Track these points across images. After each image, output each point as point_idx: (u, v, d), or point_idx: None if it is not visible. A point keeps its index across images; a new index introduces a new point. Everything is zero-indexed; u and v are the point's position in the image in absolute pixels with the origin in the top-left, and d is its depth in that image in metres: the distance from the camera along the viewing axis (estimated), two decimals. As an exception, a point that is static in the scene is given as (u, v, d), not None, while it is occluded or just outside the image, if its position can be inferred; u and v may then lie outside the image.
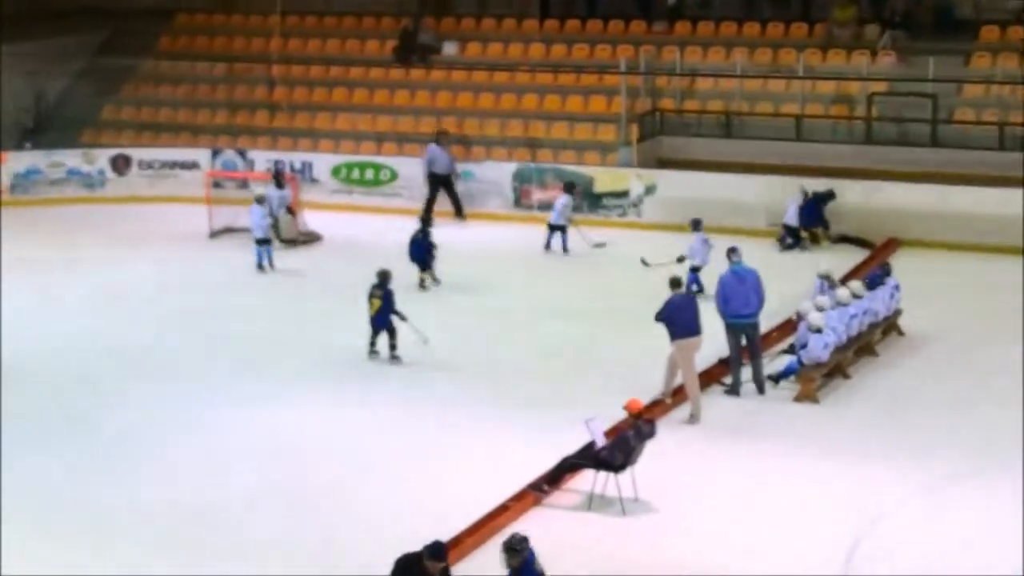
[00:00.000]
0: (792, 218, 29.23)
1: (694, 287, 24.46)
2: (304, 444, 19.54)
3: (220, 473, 18.64)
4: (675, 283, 20.60)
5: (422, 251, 26.65)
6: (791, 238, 29.06)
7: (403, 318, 22.44)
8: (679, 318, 20.20)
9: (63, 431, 20.10)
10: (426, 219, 27.35)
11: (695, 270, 25.00)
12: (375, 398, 21.20)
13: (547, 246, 28.95)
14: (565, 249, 28.59)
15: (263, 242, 28.01)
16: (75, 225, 32.36)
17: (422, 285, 26.45)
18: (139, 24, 38.81)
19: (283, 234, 29.82)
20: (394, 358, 22.43)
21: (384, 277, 22.55)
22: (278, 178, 30.44)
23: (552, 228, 29.04)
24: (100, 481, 18.46)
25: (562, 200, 29.24)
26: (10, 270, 27.61)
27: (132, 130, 36.63)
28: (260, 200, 28.38)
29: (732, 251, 21.46)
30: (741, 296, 20.81)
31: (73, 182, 34.80)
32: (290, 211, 30.17)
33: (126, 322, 24.01)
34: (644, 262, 24.38)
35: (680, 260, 24.96)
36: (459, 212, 32.03)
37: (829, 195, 29.38)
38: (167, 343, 23.90)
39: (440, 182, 31.96)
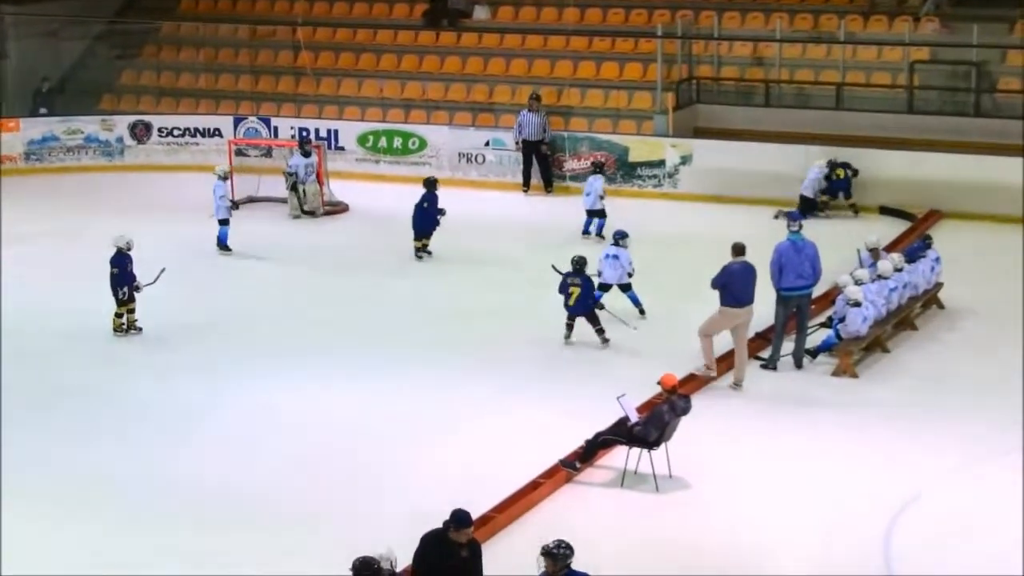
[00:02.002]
0: (807, 188, 28.50)
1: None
2: (328, 420, 19.08)
3: (245, 449, 18.22)
4: (737, 249, 19.99)
5: (428, 218, 25.93)
6: (804, 208, 27.98)
7: (601, 306, 21.95)
8: (733, 285, 19.77)
9: (77, 402, 19.67)
10: (431, 182, 26.49)
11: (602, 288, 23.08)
12: (402, 373, 20.65)
13: (586, 231, 27.72)
14: (600, 235, 27.40)
15: (225, 222, 26.77)
16: (93, 194, 31.83)
17: (420, 254, 25.91)
18: (160, -15, 38.27)
19: (308, 204, 29.22)
20: (604, 341, 21.48)
21: (581, 264, 21.50)
22: (304, 146, 29.73)
23: (590, 214, 27.82)
24: (120, 455, 18.03)
25: (597, 183, 27.94)
26: (24, 240, 27.23)
27: (152, 96, 36.19)
28: (224, 177, 27.12)
29: (792, 220, 20.86)
30: (796, 266, 20.30)
31: (91, 149, 34.24)
32: (318, 181, 29.47)
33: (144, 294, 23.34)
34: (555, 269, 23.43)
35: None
36: (548, 184, 31.23)
37: (846, 165, 28.70)
38: (187, 315, 23.33)
39: (531, 149, 31.13)
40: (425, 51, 35.32)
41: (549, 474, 16.81)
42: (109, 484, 17.19)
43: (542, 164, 31.19)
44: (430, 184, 26.32)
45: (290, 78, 35.81)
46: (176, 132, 33.99)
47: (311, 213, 29.24)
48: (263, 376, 20.57)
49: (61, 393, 20.04)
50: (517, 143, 31.27)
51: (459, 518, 12.90)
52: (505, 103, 33.32)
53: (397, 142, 32.86)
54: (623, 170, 30.84)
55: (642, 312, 22.59)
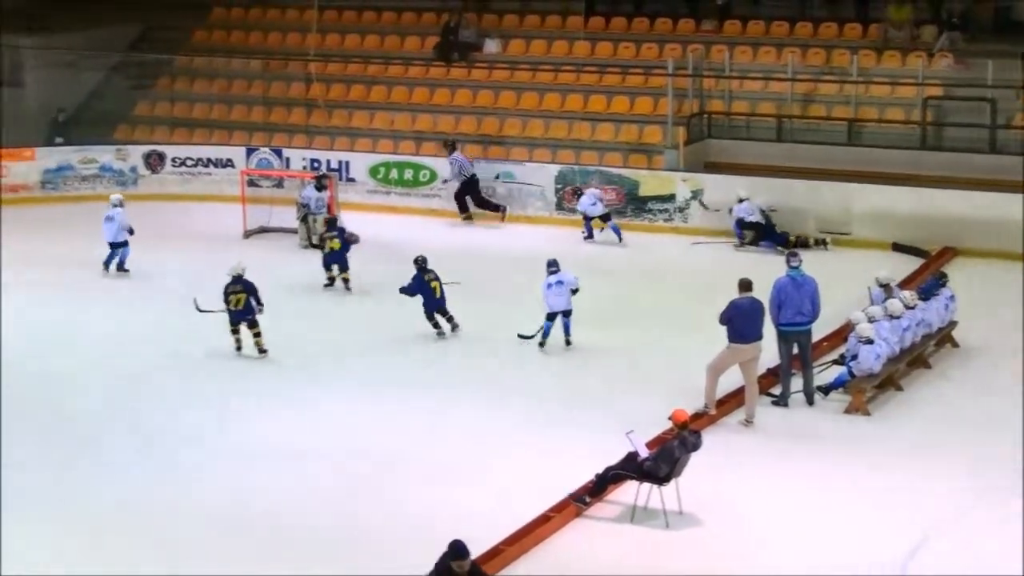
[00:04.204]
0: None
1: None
2: (343, 444, 19.09)
3: (265, 471, 18.23)
4: (744, 285, 19.90)
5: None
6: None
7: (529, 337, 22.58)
8: (740, 321, 19.63)
9: (96, 431, 19.70)
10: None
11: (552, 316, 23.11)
12: (415, 402, 20.65)
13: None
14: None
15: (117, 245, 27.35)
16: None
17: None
18: (174, 18, 38.46)
19: (316, 237, 29.05)
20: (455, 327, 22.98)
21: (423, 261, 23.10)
22: (320, 180, 29.73)
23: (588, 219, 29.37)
24: (155, 481, 18.03)
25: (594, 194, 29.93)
26: (41, 266, 27.39)
27: (166, 126, 36.30)
28: (119, 204, 27.62)
29: (792, 256, 20.78)
30: (796, 303, 20.17)
31: (105, 179, 34.30)
32: (328, 213, 29.43)
33: (161, 322, 23.31)
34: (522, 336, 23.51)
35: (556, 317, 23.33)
36: (491, 208, 31.69)
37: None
38: (201, 341, 23.27)
39: (469, 183, 31.62)
40: (436, 84, 35.39)
41: (559, 508, 16.68)
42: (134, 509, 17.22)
43: (478, 195, 31.69)
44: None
45: (302, 110, 35.86)
46: (189, 162, 34.08)
47: (319, 246, 29.16)
48: (280, 400, 20.70)
49: (87, 419, 20.05)
50: (461, 181, 31.59)
51: (456, 550, 13.09)
52: (516, 136, 33.37)
53: (408, 174, 32.87)
54: (633, 204, 30.80)
55: (568, 343, 22.85)
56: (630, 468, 16.83)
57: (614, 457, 17.00)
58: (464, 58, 35.56)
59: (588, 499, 16.89)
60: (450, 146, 32.01)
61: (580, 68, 34.38)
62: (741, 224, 29.03)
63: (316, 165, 32.62)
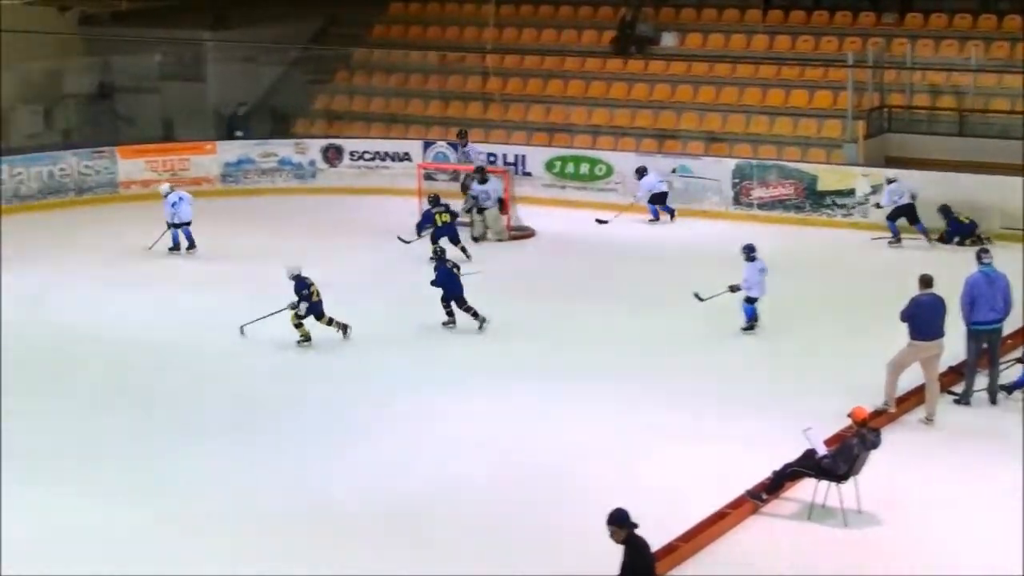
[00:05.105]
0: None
1: (749, 320, 23.15)
2: (514, 441, 19.07)
3: (434, 463, 18.32)
4: (925, 282, 19.59)
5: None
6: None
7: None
8: (921, 319, 19.34)
9: (275, 416, 19.97)
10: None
11: (750, 301, 23.21)
12: (590, 395, 20.60)
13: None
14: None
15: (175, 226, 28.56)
16: (285, 215, 32.32)
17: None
18: (353, 13, 38.94)
19: (475, 230, 29.44)
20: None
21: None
22: (481, 173, 29.87)
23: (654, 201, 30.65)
24: (329, 471, 18.21)
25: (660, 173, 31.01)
26: (226, 258, 28.01)
27: (344, 120, 36.66)
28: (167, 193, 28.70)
29: (983, 252, 20.43)
30: (989, 300, 19.83)
31: (284, 172, 34.81)
32: (501, 205, 29.57)
33: (340, 312, 23.59)
34: (698, 297, 23.16)
35: (733, 290, 23.26)
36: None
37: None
38: (391, 327, 23.69)
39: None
40: (613, 78, 35.33)
41: (735, 504, 16.59)
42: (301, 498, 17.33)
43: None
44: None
45: (479, 103, 36.07)
46: (367, 156, 34.41)
47: (477, 239, 29.34)
48: (456, 393, 20.79)
49: (283, 408, 20.33)
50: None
51: (614, 517, 13.22)
52: (692, 130, 33.20)
53: (584, 168, 32.87)
54: (811, 199, 30.50)
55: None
56: (808, 465, 16.65)
57: (791, 454, 16.82)
58: (641, 52, 35.42)
59: (765, 496, 16.75)
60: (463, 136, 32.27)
61: (758, 61, 34.09)
62: (894, 215, 28.61)
63: (492, 159, 32.73)
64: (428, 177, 32.42)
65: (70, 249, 29.02)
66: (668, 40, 35.71)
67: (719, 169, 31.57)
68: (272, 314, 22.71)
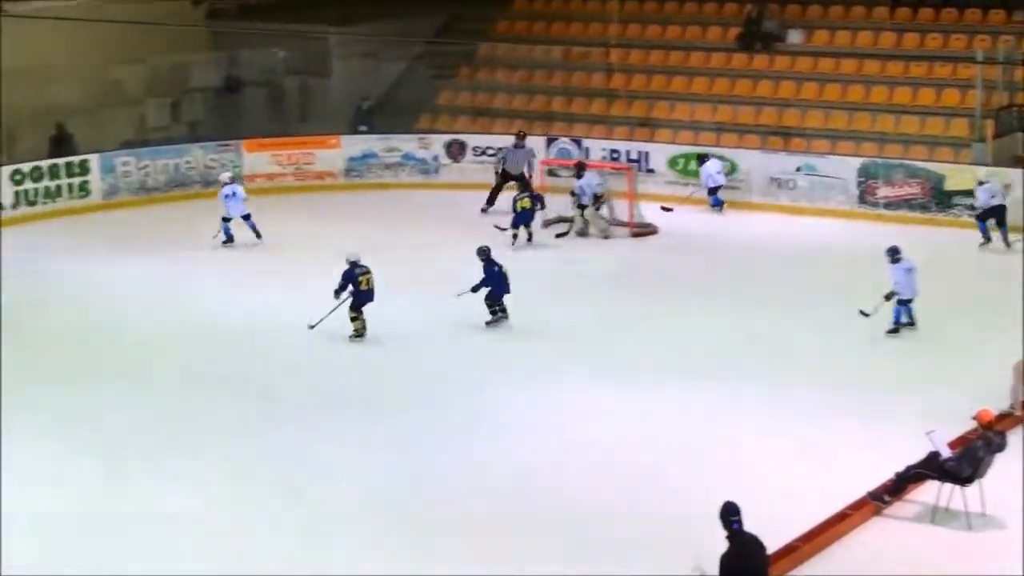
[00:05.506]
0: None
1: (896, 322, 22.78)
2: (631, 433, 19.14)
3: (549, 454, 18.52)
4: None
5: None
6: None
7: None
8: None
9: (402, 400, 20.34)
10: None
11: (902, 303, 22.85)
12: (704, 394, 20.53)
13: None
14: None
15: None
16: (410, 210, 32.45)
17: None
18: (477, 8, 39.04)
19: (577, 225, 29.51)
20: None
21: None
22: (579, 168, 29.85)
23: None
24: (454, 459, 18.49)
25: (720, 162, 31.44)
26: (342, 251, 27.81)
27: (467, 115, 36.74)
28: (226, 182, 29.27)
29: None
30: None
31: (408, 167, 34.94)
32: (597, 200, 29.52)
33: (460, 306, 23.72)
34: (863, 313, 22.83)
35: (889, 298, 22.88)
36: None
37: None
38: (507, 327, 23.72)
39: (507, 179, 31.45)
40: (738, 74, 35.18)
41: (857, 506, 16.47)
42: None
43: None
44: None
45: (602, 100, 36.00)
46: (490, 151, 34.34)
47: (581, 235, 29.52)
48: (570, 388, 20.86)
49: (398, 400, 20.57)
50: (497, 172, 31.76)
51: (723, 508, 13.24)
52: (818, 128, 32.92)
53: (707, 166, 32.71)
54: (938, 199, 30.10)
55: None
56: (931, 468, 16.49)
57: (915, 456, 16.66)
58: (767, 48, 35.26)
59: (887, 498, 16.61)
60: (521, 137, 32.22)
61: (885, 59, 33.74)
62: (984, 216, 28.15)
63: (615, 155, 32.70)
64: (551, 173, 32.41)
65: (198, 239, 29.30)
66: (794, 37, 35.49)
67: (844, 168, 31.25)
68: (334, 309, 22.77)
